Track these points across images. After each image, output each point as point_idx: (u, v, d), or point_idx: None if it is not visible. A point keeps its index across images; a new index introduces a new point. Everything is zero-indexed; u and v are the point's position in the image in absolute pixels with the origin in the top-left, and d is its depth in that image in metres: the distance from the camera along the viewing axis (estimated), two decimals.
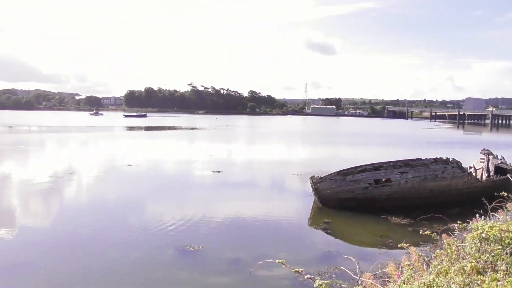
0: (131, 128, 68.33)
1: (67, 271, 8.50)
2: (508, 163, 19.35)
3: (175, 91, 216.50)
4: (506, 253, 3.65)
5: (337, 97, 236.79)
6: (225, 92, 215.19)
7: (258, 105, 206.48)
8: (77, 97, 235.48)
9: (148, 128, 68.94)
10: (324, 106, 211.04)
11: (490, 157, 20.14)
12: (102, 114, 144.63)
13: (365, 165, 14.70)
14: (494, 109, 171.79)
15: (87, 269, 8.62)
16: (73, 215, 13.10)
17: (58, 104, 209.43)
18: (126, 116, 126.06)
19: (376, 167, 14.57)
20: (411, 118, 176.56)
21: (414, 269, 4.24)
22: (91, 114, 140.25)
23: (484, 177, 18.00)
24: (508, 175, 14.34)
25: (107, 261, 9.11)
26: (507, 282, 3.00)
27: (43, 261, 8.99)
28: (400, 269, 4.51)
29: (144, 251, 9.76)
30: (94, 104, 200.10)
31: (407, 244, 5.25)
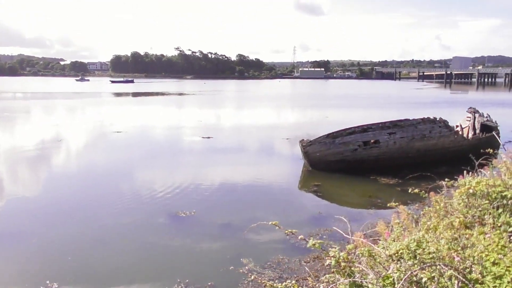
0: (118, 94, 67.36)
1: (59, 239, 8.54)
2: (493, 121, 19.61)
3: (162, 55, 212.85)
4: (493, 207, 3.73)
5: (326, 60, 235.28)
6: (213, 56, 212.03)
7: (247, 69, 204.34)
8: (62, 63, 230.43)
9: (135, 94, 68.04)
10: (313, 69, 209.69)
11: (476, 115, 20.37)
12: (88, 80, 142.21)
13: (354, 127, 14.76)
14: (481, 67, 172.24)
15: (79, 237, 8.66)
16: (63, 183, 13.05)
17: (43, 70, 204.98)
18: (112, 82, 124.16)
19: (364, 128, 14.65)
20: (399, 79, 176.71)
21: (403, 227, 4.33)
22: (76, 80, 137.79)
23: (470, 135, 18.26)
24: (493, 132, 14.55)
25: (99, 228, 9.15)
26: (494, 234, 3.08)
27: (35, 230, 8.99)
28: (390, 228, 4.61)
29: (136, 217, 9.81)
30: (80, 70, 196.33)
31: (396, 203, 5.33)
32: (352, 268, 3.02)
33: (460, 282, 2.74)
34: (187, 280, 6.75)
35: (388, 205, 5.49)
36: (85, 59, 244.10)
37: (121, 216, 9.91)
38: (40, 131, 24.11)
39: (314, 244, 3.16)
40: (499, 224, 3.54)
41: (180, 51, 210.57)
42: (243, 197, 11.75)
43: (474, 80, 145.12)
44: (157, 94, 69.35)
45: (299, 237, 3.43)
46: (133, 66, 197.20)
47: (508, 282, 2.59)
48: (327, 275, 3.23)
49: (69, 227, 9.21)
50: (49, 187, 12.78)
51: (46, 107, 41.53)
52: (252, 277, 3.55)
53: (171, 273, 7.10)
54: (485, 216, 3.68)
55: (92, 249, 8.12)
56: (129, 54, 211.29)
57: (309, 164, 14.40)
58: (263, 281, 3.41)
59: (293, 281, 3.07)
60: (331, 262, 3.01)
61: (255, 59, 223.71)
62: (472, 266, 2.86)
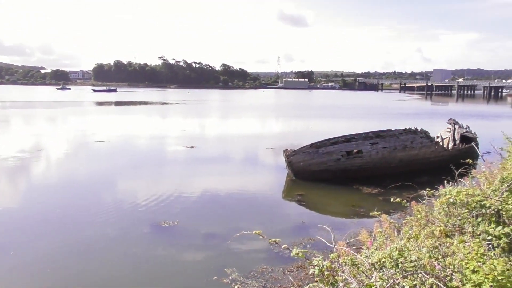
0: (100, 103, 66.67)
1: (39, 252, 8.35)
2: (472, 132, 20.05)
3: (146, 64, 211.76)
4: (472, 216, 3.81)
5: (310, 70, 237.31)
6: (197, 65, 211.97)
7: (231, 78, 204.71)
8: (42, 71, 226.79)
9: (118, 103, 67.44)
10: (297, 79, 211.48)
11: (456, 126, 20.81)
12: (69, 89, 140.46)
13: (337, 137, 14.93)
14: (461, 79, 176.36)
15: (60, 249, 8.49)
16: (43, 193, 12.81)
17: (23, 78, 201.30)
18: (95, 90, 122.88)
19: (348, 138, 14.83)
20: (382, 90, 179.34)
21: (386, 236, 4.38)
22: (58, 89, 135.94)
23: (450, 146, 18.62)
24: (473, 143, 14.88)
25: (80, 239, 8.98)
26: (474, 243, 3.14)
27: (13, 242, 8.78)
28: (373, 236, 4.66)
29: (118, 228, 9.68)
30: (61, 78, 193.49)
31: (379, 212, 5.40)
32: (336, 277, 3.04)
33: None
34: None
35: (370, 214, 5.55)
36: (67, 68, 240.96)
37: (103, 226, 9.76)
38: (20, 140, 23.64)
39: (297, 253, 3.17)
40: (478, 233, 3.61)
41: (164, 60, 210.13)
42: (227, 206, 11.70)
43: (454, 92, 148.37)
44: (140, 103, 68.87)
45: (283, 246, 3.44)
46: (116, 75, 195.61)
47: None
48: (310, 284, 3.24)
49: (50, 239, 9.02)
50: (29, 198, 12.51)
51: (26, 116, 40.82)
52: (236, 287, 3.53)
53: (155, 284, 7.01)
54: (465, 225, 3.76)
55: (73, 261, 7.96)
56: (112, 63, 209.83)
57: (293, 174, 14.45)
58: None
59: None
60: (314, 271, 3.02)
61: (240, 69, 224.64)
62: (453, 274, 2.91)
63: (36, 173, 15.73)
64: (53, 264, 7.76)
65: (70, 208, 11.15)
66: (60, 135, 26.60)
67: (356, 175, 14.12)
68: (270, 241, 3.55)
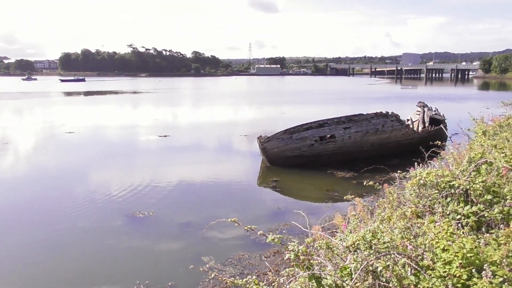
0: (69, 94, 64.83)
1: (9, 247, 8.13)
2: (441, 114, 20.56)
3: (115, 53, 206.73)
4: (442, 197, 3.92)
5: (281, 56, 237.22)
6: (168, 53, 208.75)
7: (203, 66, 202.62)
8: (5, 61, 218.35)
9: (87, 93, 65.75)
10: (269, 66, 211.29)
11: (425, 109, 21.30)
12: (35, 79, 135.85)
13: (310, 122, 15.03)
14: (432, 62, 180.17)
15: (31, 243, 8.28)
16: (12, 187, 12.40)
17: None
18: (62, 80, 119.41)
19: (321, 124, 14.95)
20: (353, 75, 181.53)
21: (359, 219, 4.46)
22: (23, 79, 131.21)
23: (420, 129, 19.06)
24: (441, 125, 15.27)
25: (52, 233, 8.78)
26: (443, 222, 3.23)
27: None
28: (347, 220, 4.73)
29: (92, 220, 9.51)
30: (26, 68, 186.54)
31: (352, 196, 5.49)
32: (311, 261, 3.07)
33: (413, 269, 2.86)
34: (147, 282, 6.63)
35: (344, 198, 5.63)
36: (32, 57, 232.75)
37: (75, 219, 9.56)
38: None
39: (273, 239, 3.19)
40: (448, 212, 3.72)
41: (134, 48, 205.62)
42: (202, 195, 11.66)
43: (423, 75, 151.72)
44: (110, 92, 67.37)
45: (259, 233, 3.45)
46: (84, 64, 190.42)
47: (457, 267, 2.73)
48: (287, 269, 3.27)
49: (21, 233, 8.78)
50: None
51: None
52: (213, 275, 3.53)
53: (130, 275, 6.94)
54: (435, 205, 3.86)
55: (45, 255, 7.79)
56: (79, 52, 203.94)
57: (267, 160, 14.50)
58: (224, 278, 3.41)
59: (254, 277, 3.08)
60: (290, 256, 3.05)
61: (211, 56, 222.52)
62: (424, 253, 2.99)
63: (4, 166, 15.21)
64: (25, 259, 7.57)
65: (41, 202, 10.86)
66: (28, 127, 25.78)
67: (329, 159, 14.29)
68: (245, 227, 3.55)
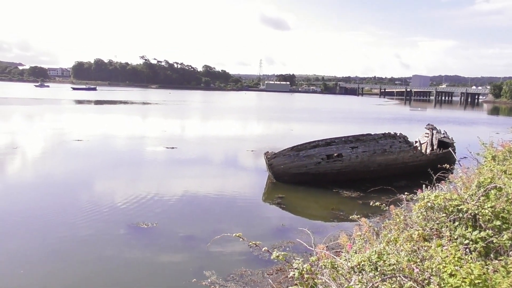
0: (80, 102, 65.50)
1: (11, 252, 8.12)
2: (450, 137, 20.44)
3: (127, 63, 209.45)
4: (450, 220, 3.87)
5: (291, 73, 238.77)
6: (179, 66, 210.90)
7: (213, 80, 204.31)
8: (20, 67, 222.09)
9: (98, 102, 66.40)
10: (279, 82, 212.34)
11: (434, 131, 21.19)
12: (48, 86, 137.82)
13: (318, 140, 15.00)
14: (444, 85, 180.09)
15: (33, 250, 8.27)
16: (18, 193, 12.44)
17: (0, 74, 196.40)
18: (74, 88, 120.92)
19: (328, 142, 14.92)
20: (362, 94, 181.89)
21: (365, 239, 4.40)
22: (36, 86, 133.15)
23: (428, 151, 18.94)
24: (450, 149, 15.16)
25: (55, 240, 8.77)
26: (451, 247, 3.18)
27: None
28: (352, 240, 4.67)
29: (94, 229, 9.49)
30: (40, 75, 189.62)
31: (358, 216, 5.43)
32: (315, 280, 3.03)
33: None
34: None
35: (350, 217, 5.58)
36: (45, 65, 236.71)
37: (79, 227, 9.55)
38: None
39: (277, 256, 3.15)
40: (455, 237, 3.66)
41: (146, 60, 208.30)
42: (206, 208, 11.61)
43: (432, 98, 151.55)
44: (120, 102, 67.99)
45: (263, 249, 3.42)
46: (96, 74, 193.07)
47: None
48: (290, 287, 3.23)
49: (23, 239, 8.78)
50: (1, 197, 12.15)
51: (1, 113, 39.79)
52: None
53: (132, 286, 6.89)
54: (443, 229, 3.80)
55: (48, 262, 7.77)
56: (92, 61, 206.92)
57: (273, 176, 14.46)
58: None
59: None
60: (294, 274, 3.01)
61: (222, 70, 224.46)
62: (431, 277, 2.93)
63: (11, 171, 15.32)
64: (26, 265, 7.55)
65: (45, 208, 10.88)
66: (37, 133, 25.99)
67: (336, 178, 14.22)
68: (250, 243, 3.52)
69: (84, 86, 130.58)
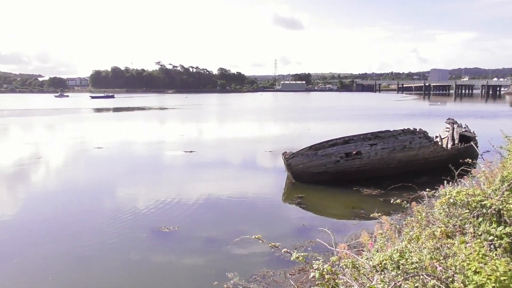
0: (99, 110, 66.64)
1: (40, 259, 8.32)
2: (471, 131, 20.05)
3: (143, 70, 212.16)
4: (473, 216, 3.79)
5: (307, 72, 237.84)
6: (194, 70, 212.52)
7: (228, 82, 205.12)
8: (40, 79, 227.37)
9: (116, 109, 67.42)
10: (294, 82, 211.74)
11: (455, 126, 20.83)
12: (67, 96, 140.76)
13: (336, 139, 14.90)
14: (467, 78, 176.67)
15: (60, 256, 8.46)
16: (43, 201, 12.76)
17: (20, 87, 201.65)
18: (93, 97, 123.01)
19: (346, 140, 14.81)
20: (379, 91, 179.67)
21: (387, 237, 4.35)
22: (56, 96, 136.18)
23: (449, 146, 18.61)
24: (472, 143, 14.88)
25: (80, 246, 8.95)
26: (475, 244, 3.12)
27: (16, 250, 8.75)
28: (374, 238, 4.63)
29: (118, 234, 9.64)
30: (59, 86, 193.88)
31: (379, 214, 5.38)
32: (337, 280, 3.02)
33: None
34: None
35: (371, 215, 5.53)
36: (64, 75, 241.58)
37: (103, 233, 9.73)
38: (19, 148, 23.61)
39: (298, 257, 3.15)
40: (479, 233, 3.59)
41: (161, 65, 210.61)
42: (227, 211, 11.67)
43: (452, 91, 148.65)
44: (138, 109, 68.87)
45: (283, 250, 3.42)
46: (113, 81, 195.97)
47: None
48: None
49: (50, 246, 8.99)
50: (28, 205, 12.46)
51: (24, 124, 40.79)
52: None
53: None
54: (466, 225, 3.73)
55: (74, 268, 7.93)
56: (109, 69, 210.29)
57: (292, 176, 14.43)
58: None
59: None
60: (315, 275, 3.00)
61: (237, 72, 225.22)
62: (455, 275, 2.89)
63: (36, 180, 15.70)
64: (54, 271, 7.73)
65: (71, 216, 11.11)
66: (59, 142, 26.55)
67: (355, 176, 14.10)
68: (270, 245, 3.53)
69: (102, 94, 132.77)
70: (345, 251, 3.77)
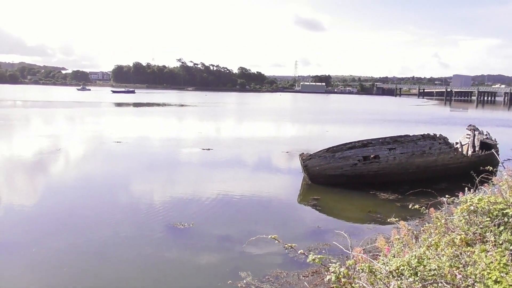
0: (119, 104, 67.52)
1: (57, 250, 8.45)
2: (493, 139, 19.64)
3: (164, 66, 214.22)
4: (494, 225, 3.71)
5: (327, 74, 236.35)
6: (215, 68, 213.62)
7: (248, 82, 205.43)
8: (63, 71, 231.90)
9: (136, 105, 68.21)
10: (314, 83, 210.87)
11: (476, 132, 20.43)
12: (89, 90, 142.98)
13: (354, 142, 14.77)
14: (499, 85, 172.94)
15: (76, 248, 8.58)
16: (61, 192, 12.98)
17: (44, 78, 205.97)
18: (114, 92, 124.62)
19: (364, 143, 14.66)
20: (400, 95, 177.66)
21: (404, 243, 4.29)
22: (78, 89, 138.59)
23: (470, 153, 18.26)
24: (493, 150, 14.57)
25: (96, 239, 9.07)
26: (496, 252, 3.05)
27: (34, 240, 8.92)
28: (390, 243, 4.57)
29: (133, 229, 9.74)
30: (81, 79, 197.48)
31: (396, 219, 5.31)
32: (353, 285, 2.99)
33: None
34: None
35: (388, 220, 5.46)
36: (87, 69, 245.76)
37: (118, 227, 9.84)
38: (39, 139, 24.06)
39: (314, 259, 3.13)
40: (500, 242, 3.51)
41: (182, 62, 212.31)
42: (242, 209, 11.68)
43: (474, 98, 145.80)
44: (158, 105, 69.54)
45: (299, 252, 3.40)
46: (134, 77, 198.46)
47: None
48: None
49: (67, 238, 9.13)
50: (46, 197, 12.70)
51: (46, 116, 41.58)
52: None
53: (169, 286, 7.02)
54: (487, 234, 3.65)
55: (89, 261, 8.04)
56: (131, 65, 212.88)
57: (309, 178, 14.36)
58: None
59: None
60: (331, 278, 2.98)
61: (257, 72, 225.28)
62: (474, 284, 2.83)
63: (55, 172, 15.99)
64: (70, 263, 7.85)
65: (87, 208, 11.27)
66: (79, 135, 26.98)
67: (372, 180, 13.96)
68: (285, 245, 3.52)
69: (123, 89, 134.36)
70: (361, 255, 3.73)
